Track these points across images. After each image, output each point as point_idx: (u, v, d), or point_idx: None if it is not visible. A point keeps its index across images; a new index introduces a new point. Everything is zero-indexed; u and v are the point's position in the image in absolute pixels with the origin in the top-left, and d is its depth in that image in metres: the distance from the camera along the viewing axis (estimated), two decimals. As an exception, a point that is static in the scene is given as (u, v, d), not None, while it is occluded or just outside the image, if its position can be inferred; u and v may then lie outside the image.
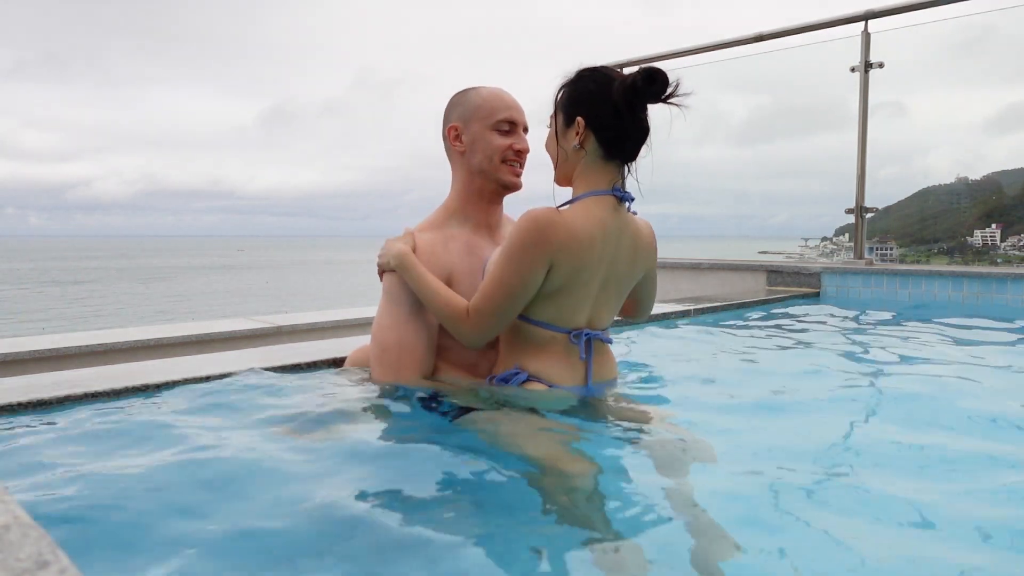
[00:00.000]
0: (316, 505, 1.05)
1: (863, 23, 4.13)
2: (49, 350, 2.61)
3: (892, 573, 0.92)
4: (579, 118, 1.54)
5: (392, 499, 1.09)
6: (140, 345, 2.81)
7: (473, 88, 1.76)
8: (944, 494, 1.13)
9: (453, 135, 1.74)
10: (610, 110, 1.51)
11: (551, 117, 1.62)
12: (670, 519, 1.02)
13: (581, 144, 1.54)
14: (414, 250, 1.66)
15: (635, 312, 1.80)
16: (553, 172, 1.64)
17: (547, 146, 1.64)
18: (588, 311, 1.56)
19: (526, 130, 1.77)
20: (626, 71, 1.54)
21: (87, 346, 2.69)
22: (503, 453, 1.27)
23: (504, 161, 1.71)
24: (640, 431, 1.38)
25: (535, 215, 1.47)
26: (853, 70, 4.18)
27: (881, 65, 4.13)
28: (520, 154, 1.72)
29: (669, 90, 1.47)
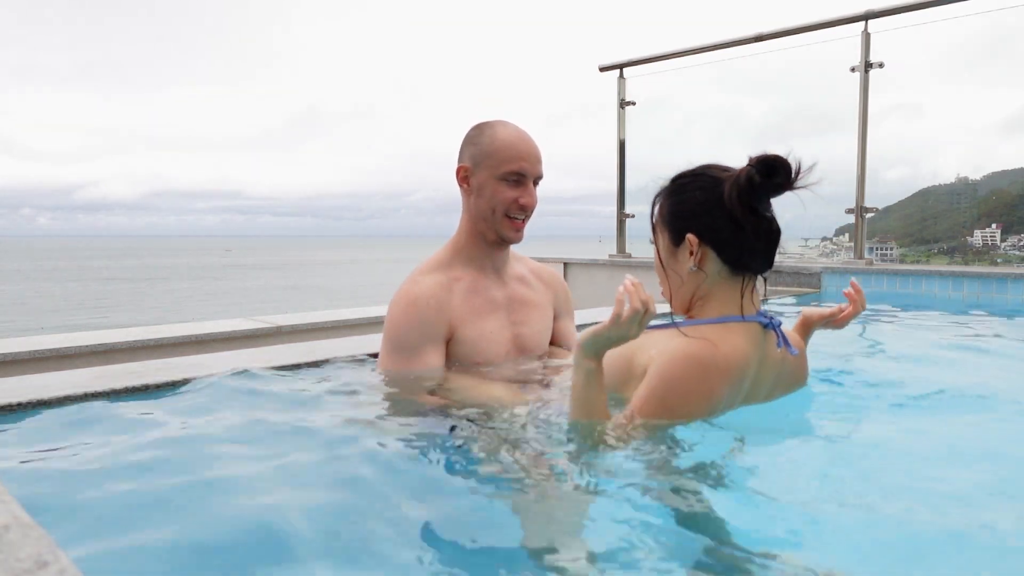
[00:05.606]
0: (315, 506, 1.06)
1: (863, 23, 4.14)
2: (49, 350, 2.60)
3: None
4: (689, 235, 1.28)
5: (374, 507, 1.10)
6: (140, 345, 2.81)
7: (491, 127, 1.70)
8: (940, 497, 1.13)
9: (461, 175, 1.71)
10: (725, 220, 1.25)
11: (652, 235, 1.36)
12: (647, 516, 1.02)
13: (699, 265, 1.29)
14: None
15: None
16: (662, 291, 1.37)
17: (656, 269, 1.38)
18: None
19: (538, 180, 1.71)
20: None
21: (87, 346, 2.68)
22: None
23: (507, 215, 1.67)
24: None
25: (697, 357, 1.20)
26: (853, 70, 4.18)
27: (881, 65, 4.13)
28: (525, 208, 1.68)
29: (794, 175, 1.20)
